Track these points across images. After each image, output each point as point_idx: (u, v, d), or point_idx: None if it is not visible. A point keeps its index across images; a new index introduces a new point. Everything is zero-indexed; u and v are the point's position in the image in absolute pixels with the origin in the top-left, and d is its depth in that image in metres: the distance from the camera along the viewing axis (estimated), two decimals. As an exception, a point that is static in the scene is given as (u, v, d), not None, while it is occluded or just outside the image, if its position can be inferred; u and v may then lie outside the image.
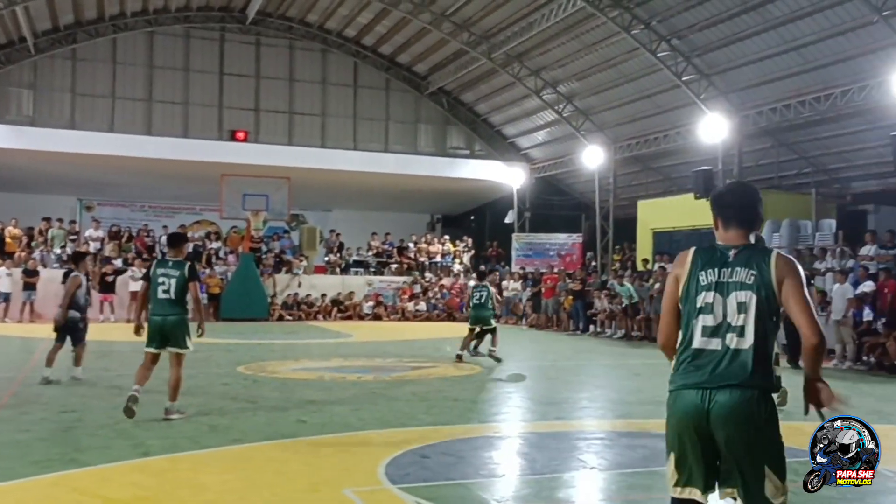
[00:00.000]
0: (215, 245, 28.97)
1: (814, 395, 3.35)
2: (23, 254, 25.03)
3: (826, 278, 18.23)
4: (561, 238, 29.83)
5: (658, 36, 21.71)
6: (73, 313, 11.12)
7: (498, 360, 14.20)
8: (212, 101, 29.43)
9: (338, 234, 30.90)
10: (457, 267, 30.92)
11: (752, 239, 3.52)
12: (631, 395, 11.12)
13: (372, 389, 11.15)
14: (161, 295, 8.36)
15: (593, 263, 28.00)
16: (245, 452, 7.01)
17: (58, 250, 25.86)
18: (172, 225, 29.89)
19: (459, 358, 14.42)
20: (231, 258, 27.87)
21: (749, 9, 19.30)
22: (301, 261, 28.84)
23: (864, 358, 15.41)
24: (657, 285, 21.11)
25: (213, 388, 10.77)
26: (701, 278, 3.37)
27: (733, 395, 3.21)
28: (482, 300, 14.73)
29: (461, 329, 15.12)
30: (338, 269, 29.53)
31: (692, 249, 3.51)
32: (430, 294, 28.73)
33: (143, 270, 23.95)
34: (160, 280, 8.39)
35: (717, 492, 3.36)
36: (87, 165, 27.61)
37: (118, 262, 25.48)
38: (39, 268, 24.04)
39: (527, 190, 31.35)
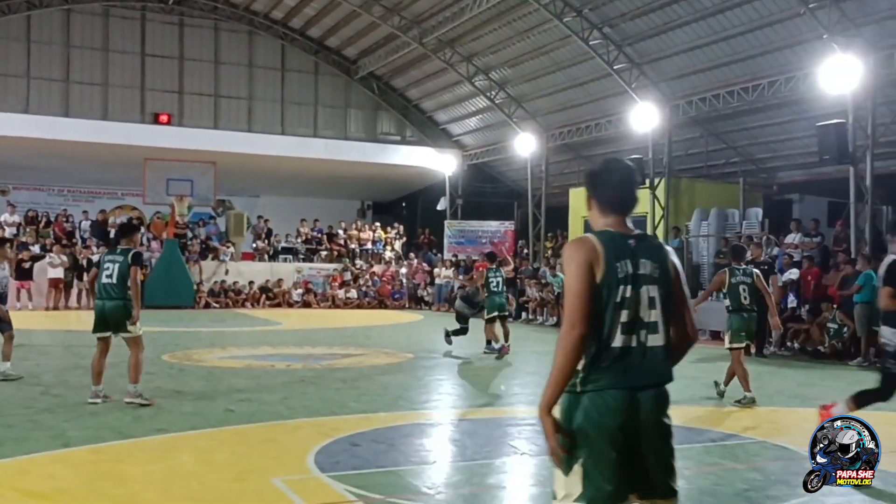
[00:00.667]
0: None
1: None
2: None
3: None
4: (493, 225, 29.86)
5: (590, 24, 21.74)
6: None
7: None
8: (133, 82, 28.50)
9: (266, 221, 30.36)
10: (388, 254, 30.71)
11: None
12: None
13: (301, 377, 10.98)
14: (104, 280, 8.46)
15: (525, 251, 28.08)
16: (170, 442, 6.78)
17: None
18: (92, 210, 29.03)
19: (500, 353, 13.61)
20: (155, 244, 27.12)
21: (680, -2, 19.48)
22: (228, 247, 28.23)
23: (788, 344, 15.81)
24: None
25: (143, 377, 10.37)
26: (618, 269, 3.06)
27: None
28: (499, 287, 14.10)
29: (392, 316, 14.84)
30: (266, 256, 29.03)
31: (590, 236, 3.13)
32: (361, 281, 28.45)
33: (63, 257, 23.76)
34: (106, 266, 8.53)
35: None
36: (1, 148, 26.46)
37: (35, 249, 24.54)
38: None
39: (459, 177, 31.25)
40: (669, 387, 3.11)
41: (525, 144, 26.90)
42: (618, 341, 3.03)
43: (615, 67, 22.12)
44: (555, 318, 22.08)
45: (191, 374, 10.99)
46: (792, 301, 16.16)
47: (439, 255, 29.76)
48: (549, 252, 26.08)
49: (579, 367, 3.02)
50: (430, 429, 8.03)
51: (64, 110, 27.36)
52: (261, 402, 8.88)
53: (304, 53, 30.62)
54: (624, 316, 3.03)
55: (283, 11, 29.17)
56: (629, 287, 3.03)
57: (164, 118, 28.51)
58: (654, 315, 3.07)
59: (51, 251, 24.21)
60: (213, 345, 15.15)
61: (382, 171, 31.23)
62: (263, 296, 26.93)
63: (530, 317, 23.11)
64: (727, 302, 9.66)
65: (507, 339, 13.90)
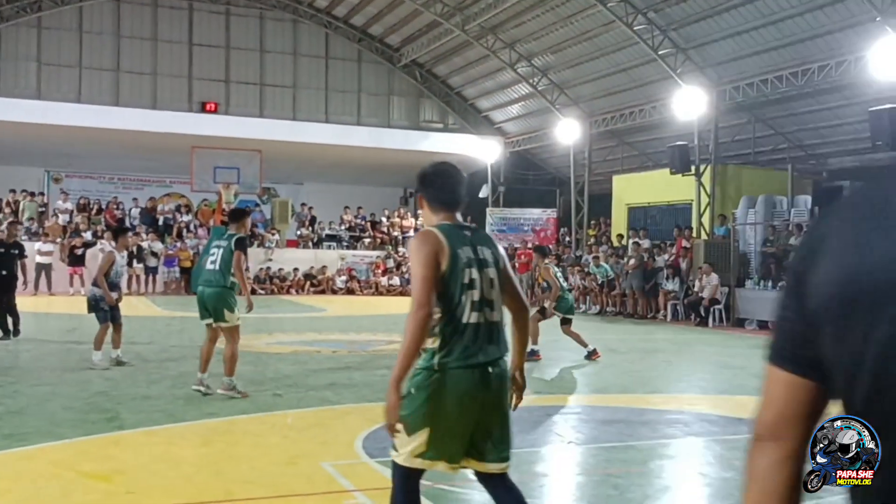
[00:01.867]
0: (186, 218, 28.61)
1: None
2: (-11, 226, 24.54)
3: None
4: (535, 213, 29.79)
5: (634, 9, 21.54)
6: (96, 290, 10.39)
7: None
8: (181, 71, 28.89)
9: (310, 208, 30.64)
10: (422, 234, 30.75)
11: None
12: (606, 370, 11.08)
13: (347, 364, 11.08)
14: (208, 265, 8.30)
15: (567, 239, 28.00)
16: (221, 426, 6.92)
17: (26, 223, 25.38)
18: (142, 197, 29.53)
19: (593, 354, 11.98)
20: (201, 231, 27.52)
21: (727, -18, 19.22)
22: (273, 234, 28.56)
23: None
24: (632, 261, 21.15)
25: (188, 362, 10.59)
26: (461, 255, 3.39)
27: (501, 369, 3.42)
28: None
29: None
30: (310, 243, 29.31)
31: (433, 229, 3.49)
32: (404, 269, 28.60)
33: (114, 244, 24.18)
34: (212, 251, 8.35)
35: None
36: (55, 136, 27.04)
37: (87, 235, 25.07)
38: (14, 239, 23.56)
39: (501, 164, 31.20)
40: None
41: (568, 131, 26.75)
42: (470, 318, 3.36)
43: (660, 52, 21.90)
44: (598, 307, 22.02)
45: (239, 359, 11.14)
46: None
47: (481, 242, 29.68)
48: (592, 240, 25.97)
49: (435, 344, 3.32)
50: None
51: (114, 99, 27.83)
52: (308, 388, 9.02)
53: (348, 41, 30.76)
54: (474, 295, 3.37)
55: (328, 0, 29.32)
56: (474, 269, 3.38)
57: (210, 106, 28.86)
58: (495, 294, 3.43)
59: (102, 238, 24.70)
60: (260, 331, 15.35)
61: (425, 158, 30.56)
62: (308, 282, 27.22)
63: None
64: None
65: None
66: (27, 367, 10.10)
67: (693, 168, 21.57)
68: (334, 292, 27.23)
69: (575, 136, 26.70)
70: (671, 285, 20.26)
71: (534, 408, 8.36)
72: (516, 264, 25.19)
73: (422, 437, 3.32)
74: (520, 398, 3.62)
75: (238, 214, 8.86)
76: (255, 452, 6.02)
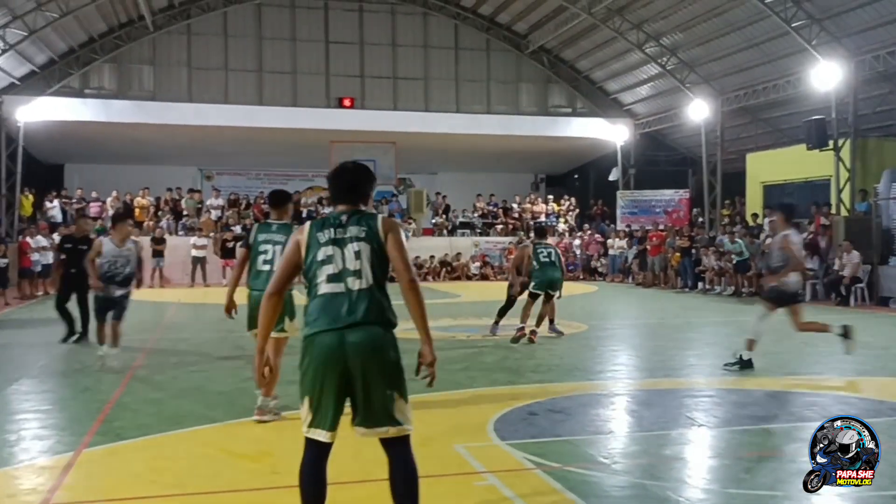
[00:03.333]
0: (327, 210, 29.82)
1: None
2: (150, 223, 26.54)
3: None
4: (667, 194, 29.41)
5: (766, -18, 21.02)
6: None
7: (560, 333, 12.74)
8: (318, 69, 30.06)
9: (444, 197, 31.32)
10: (561, 226, 30.94)
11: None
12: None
13: (480, 348, 11.44)
14: (261, 266, 6.92)
15: (700, 219, 27.58)
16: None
17: (184, 219, 27.29)
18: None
19: (528, 337, 11.80)
20: (342, 221, 28.59)
21: (863, -51, 18.49)
22: (410, 223, 29.40)
23: None
24: (768, 240, 20.71)
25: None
26: (320, 237, 3.81)
27: (365, 333, 3.70)
28: (551, 257, 12.23)
29: (567, 287, 14.76)
30: (445, 231, 30.00)
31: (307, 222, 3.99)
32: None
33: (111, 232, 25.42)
34: (261, 248, 6.96)
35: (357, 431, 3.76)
36: (205, 136, 28.78)
37: (237, 229, 26.59)
38: (166, 236, 25.40)
39: (631, 146, 30.96)
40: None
41: (698, 110, 26.34)
42: (324, 289, 3.75)
43: (793, 25, 21.27)
44: (732, 288, 21.68)
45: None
46: None
47: (612, 225, 29.67)
48: (727, 220, 25.50)
49: (306, 315, 3.77)
50: (605, 399, 8.04)
51: (258, 98, 29.26)
52: (442, 371, 9.20)
53: (477, 31, 31.17)
54: (330, 269, 3.75)
55: (456, -9, 29.80)
56: (330, 247, 3.77)
57: (347, 102, 29.89)
58: (359, 265, 3.75)
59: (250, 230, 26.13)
60: (399, 316, 16.02)
61: (554, 143, 31.41)
62: (443, 269, 27.92)
63: (707, 286, 22.74)
64: None
65: (553, 316, 12.60)
66: (183, 354, 10.90)
67: (831, 143, 20.90)
68: (469, 278, 27.82)
69: (706, 114, 26.27)
70: (810, 264, 19.72)
71: (666, 391, 8.41)
72: (648, 247, 25.10)
73: (306, 406, 3.78)
74: (430, 373, 3.88)
75: (281, 198, 7.38)
76: (392, 434, 6.48)
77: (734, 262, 21.50)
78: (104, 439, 6.28)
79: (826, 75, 20.89)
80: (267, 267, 6.85)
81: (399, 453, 3.82)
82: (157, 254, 24.31)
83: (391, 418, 3.76)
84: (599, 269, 28.08)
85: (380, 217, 3.92)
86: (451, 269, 28.01)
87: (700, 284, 22.94)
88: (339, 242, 3.80)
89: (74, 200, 27.21)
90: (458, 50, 31.19)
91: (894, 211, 19.54)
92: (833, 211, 20.77)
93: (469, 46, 31.27)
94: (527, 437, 6.32)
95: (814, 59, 21.24)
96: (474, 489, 5.14)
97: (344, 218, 3.87)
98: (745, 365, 9.29)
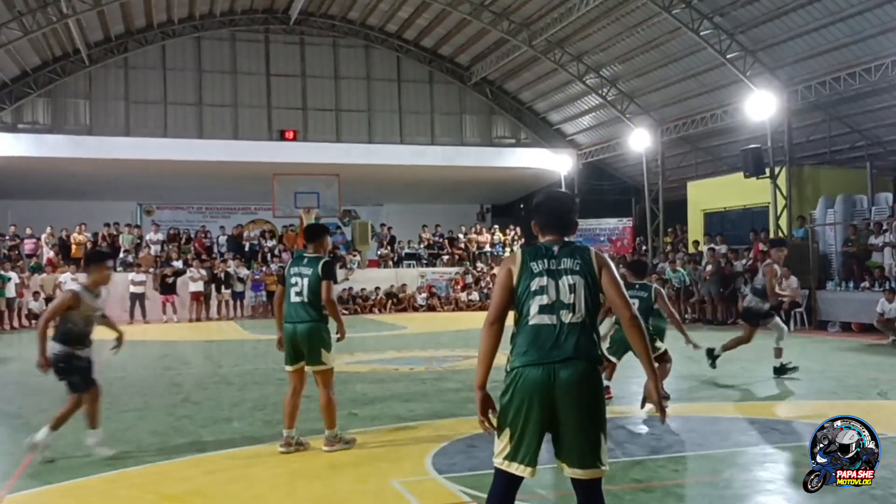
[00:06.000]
0: (271, 243, 29.51)
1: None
2: (87, 259, 25.84)
3: (884, 253, 17.95)
4: (611, 223, 29.75)
5: (700, 14, 21.45)
6: (60, 347, 6.82)
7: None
8: (260, 102, 29.91)
9: (389, 228, 31.22)
10: (507, 255, 30.97)
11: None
12: (680, 379, 10.99)
13: (423, 380, 11.33)
14: (293, 298, 6.96)
15: (644, 247, 27.87)
16: (297, 446, 7.23)
17: (122, 255, 26.68)
18: (229, 225, 30.58)
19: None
20: (286, 256, 28.35)
21: (792, -18, 19.01)
22: (354, 255, 29.21)
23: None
24: (709, 267, 20.99)
25: (270, 383, 11.06)
26: (533, 267, 3.73)
27: (575, 368, 3.59)
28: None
29: (514, 317, 14.60)
30: (390, 263, 29.86)
31: (517, 249, 3.93)
32: (483, 283, 28.89)
33: (202, 272, 25.27)
34: (292, 280, 6.99)
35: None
36: (144, 170, 28.34)
37: (178, 264, 26.14)
38: (103, 272, 24.76)
39: (575, 176, 31.27)
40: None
41: (639, 139, 26.72)
42: (535, 320, 3.67)
43: (728, 56, 21.75)
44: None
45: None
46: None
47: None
48: (669, 247, 25.80)
49: (508, 350, 3.69)
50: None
51: (198, 132, 28.99)
52: (383, 406, 9.31)
53: (419, 63, 31.34)
54: (543, 300, 3.66)
55: (398, 24, 29.95)
56: (545, 278, 3.68)
57: (290, 134, 29.78)
58: (573, 298, 3.66)
59: (191, 266, 25.76)
60: (342, 350, 15.65)
61: (499, 174, 31.61)
62: (389, 301, 27.74)
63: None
64: None
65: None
66: (119, 393, 10.53)
67: (768, 170, 21.32)
68: (415, 309, 27.67)
69: (647, 144, 26.65)
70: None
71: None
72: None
73: (506, 436, 3.67)
74: (658, 411, 3.78)
75: (316, 232, 7.41)
76: (327, 471, 6.29)
77: (676, 287, 21.72)
78: (29, 484, 6.06)
79: (761, 105, 21.35)
80: (298, 299, 6.89)
81: (594, 496, 3.70)
82: (95, 291, 23.63)
83: (596, 459, 3.64)
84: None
85: (593, 251, 3.85)
86: (397, 301, 27.84)
87: (644, 312, 23.05)
88: (552, 274, 3.72)
89: (8, 238, 26.46)
90: (400, 82, 31.31)
91: (830, 236, 19.95)
92: (771, 237, 21.09)
93: (412, 78, 31.41)
94: (465, 469, 6.25)
95: (749, 90, 21.70)
96: (409, 525, 5.05)
97: (556, 249, 3.79)
98: (787, 370, 10.67)
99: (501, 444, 3.68)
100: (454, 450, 6.92)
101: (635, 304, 7.71)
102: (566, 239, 3.85)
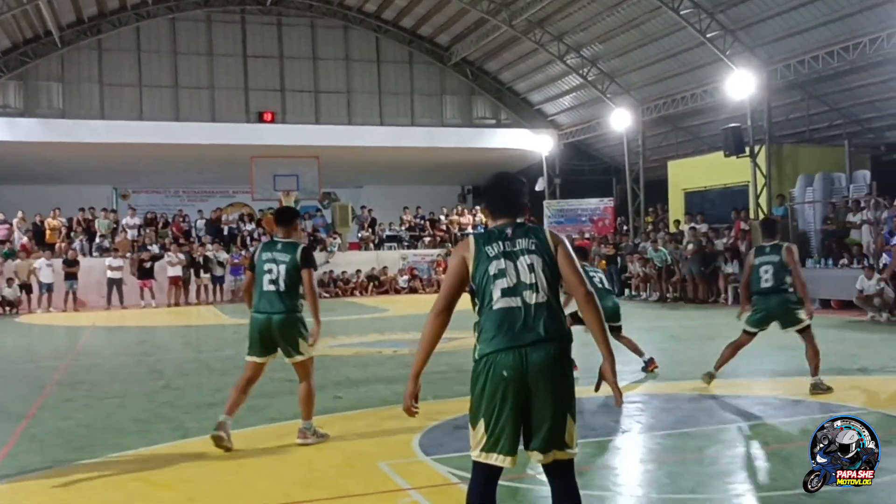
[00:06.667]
0: (249, 227, 29.30)
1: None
2: (62, 244, 25.60)
3: (862, 230, 18.05)
4: (592, 203, 29.72)
5: (680, -7, 21.41)
6: None
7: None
8: (237, 83, 29.60)
9: (370, 210, 31.08)
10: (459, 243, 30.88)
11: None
12: (666, 357, 11.08)
13: (407, 363, 11.18)
14: (267, 286, 6.47)
15: (625, 227, 27.91)
16: (282, 430, 7.15)
17: (98, 240, 26.39)
18: (207, 209, 30.31)
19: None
20: (265, 239, 28.14)
21: (772, -40, 18.97)
22: (334, 238, 29.07)
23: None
24: (690, 246, 21.04)
25: None
26: (489, 250, 3.67)
27: (545, 350, 3.51)
28: (604, 283, 9.85)
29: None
30: (371, 245, 29.73)
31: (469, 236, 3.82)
32: (464, 265, 28.78)
33: (180, 256, 25.03)
34: (266, 267, 6.48)
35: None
36: (119, 154, 27.98)
37: (155, 248, 25.90)
38: (80, 257, 24.55)
39: (556, 156, 31.23)
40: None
41: (620, 119, 26.69)
42: (499, 304, 3.57)
43: (708, 36, 21.74)
44: (657, 294, 21.95)
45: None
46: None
47: (540, 234, 29.75)
48: (650, 227, 25.84)
49: (475, 336, 3.62)
50: None
51: (174, 115, 28.64)
52: (368, 389, 9.27)
53: (399, 44, 31.11)
54: (504, 283, 3.58)
55: (376, 4, 29.69)
56: (502, 259, 3.61)
57: (268, 116, 29.51)
58: (534, 277, 3.59)
59: (169, 250, 25.52)
60: (324, 333, 15.49)
61: (480, 155, 31.47)
62: (371, 284, 27.64)
63: (633, 293, 23.01)
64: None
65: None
66: (97, 380, 10.46)
67: (748, 149, 21.37)
68: (397, 292, 27.60)
69: (627, 123, 26.63)
70: (731, 268, 20.11)
71: (590, 399, 8.34)
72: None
73: (481, 429, 3.55)
74: (615, 393, 3.66)
75: (288, 216, 6.92)
76: (314, 455, 6.25)
77: (658, 266, 21.79)
78: (8, 473, 5.96)
79: (741, 84, 21.37)
80: (272, 287, 6.42)
81: (566, 481, 3.62)
82: (70, 276, 23.50)
83: (562, 442, 3.56)
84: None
85: (546, 229, 3.79)
86: (378, 284, 27.74)
87: (626, 291, 23.18)
88: (509, 255, 3.65)
89: (-20, 223, 26.10)
90: (380, 63, 31.06)
91: (809, 214, 20.04)
92: (752, 216, 21.19)
93: (391, 59, 31.18)
94: (452, 451, 6.22)
95: (729, 69, 21.71)
96: (397, 507, 5.03)
97: (509, 231, 3.73)
98: None
99: (477, 436, 3.56)
100: (441, 431, 6.91)
101: (768, 270, 8.15)
102: (518, 221, 3.78)
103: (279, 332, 6.43)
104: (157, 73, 28.80)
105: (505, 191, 3.87)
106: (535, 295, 3.57)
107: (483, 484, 3.60)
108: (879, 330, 13.82)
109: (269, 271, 6.44)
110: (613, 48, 25.74)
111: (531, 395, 3.49)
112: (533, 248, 3.64)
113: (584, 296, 3.60)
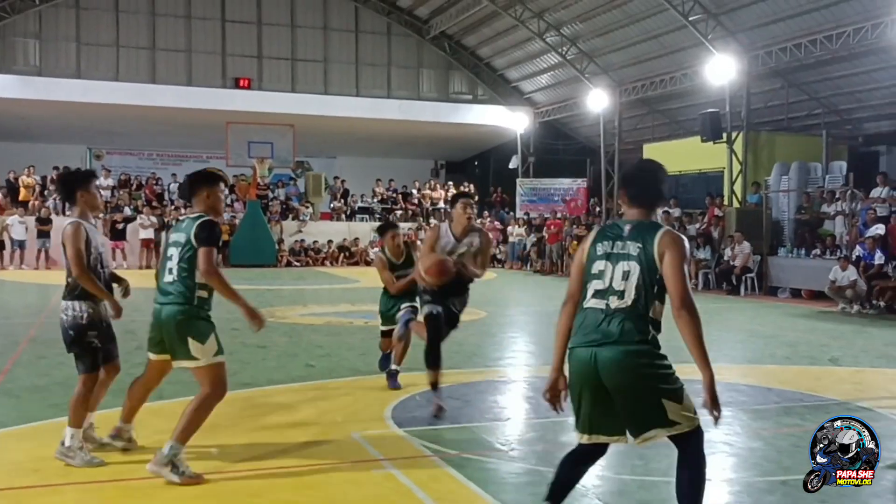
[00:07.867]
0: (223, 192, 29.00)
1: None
2: (36, 202, 25.37)
3: (836, 221, 18.18)
4: (566, 183, 29.76)
5: (664, -25, 21.39)
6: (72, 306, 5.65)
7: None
8: (214, 48, 29.23)
9: (343, 181, 30.94)
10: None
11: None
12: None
13: (378, 334, 11.26)
14: (165, 276, 5.09)
15: (598, 208, 28.01)
16: (254, 397, 7.16)
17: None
18: (181, 173, 29.96)
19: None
20: (238, 206, 27.97)
21: (757, -54, 18.98)
22: (307, 207, 28.93)
23: (874, 302, 15.26)
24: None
25: (224, 334, 10.58)
26: (597, 249, 3.74)
27: (616, 350, 3.59)
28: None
29: None
30: (343, 216, 29.63)
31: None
32: (436, 240, 28.78)
33: (153, 219, 24.79)
34: (168, 252, 5.15)
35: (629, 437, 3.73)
36: (95, 114, 27.64)
37: (128, 211, 25.68)
38: (52, 216, 24.28)
39: (531, 134, 31.23)
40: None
41: (597, 100, 26.68)
42: (589, 304, 3.70)
43: (690, 18, 21.74)
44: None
45: (274, 330, 11.23)
46: (879, 258, 15.58)
47: (511, 213, 29.89)
48: (623, 209, 25.95)
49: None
50: (503, 386, 8.13)
51: (151, 77, 28.29)
52: (340, 358, 9.28)
53: (377, 15, 30.85)
54: (599, 284, 3.67)
55: (357, -27, 29.38)
56: (603, 261, 3.68)
57: (244, 82, 29.20)
58: (624, 286, 3.62)
59: (142, 213, 25.31)
60: (295, 302, 15.71)
61: (455, 130, 31.42)
62: (342, 254, 27.59)
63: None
64: None
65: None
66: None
67: (725, 135, 21.47)
68: (367, 264, 27.49)
69: (604, 104, 26.63)
70: (703, 254, 20.26)
71: None
72: (546, 235, 25.33)
73: (575, 411, 3.80)
74: (712, 414, 3.63)
75: (196, 181, 5.36)
76: (287, 423, 6.25)
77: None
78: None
79: (721, 69, 21.42)
80: (170, 277, 5.01)
81: (685, 450, 3.74)
82: (43, 234, 23.35)
83: (663, 422, 3.64)
84: (498, 257, 28.20)
85: (660, 233, 3.64)
86: (349, 255, 27.68)
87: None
88: (612, 258, 3.67)
89: (-49, 179, 25.69)
90: (358, 33, 30.80)
91: (784, 203, 20.19)
92: (726, 202, 21.34)
93: (370, 30, 30.93)
94: (424, 423, 6.27)
95: (709, 53, 21.75)
96: (371, 477, 5.05)
97: (626, 229, 3.71)
98: None
99: (574, 417, 3.81)
100: (413, 404, 6.93)
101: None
102: (643, 220, 3.72)
103: (165, 327, 5.08)
104: (134, 33, 28.36)
105: (646, 181, 3.84)
106: (619, 301, 3.62)
107: (574, 454, 3.89)
108: (850, 321, 13.99)
109: (170, 258, 5.07)
110: (594, 28, 25.69)
111: (609, 390, 3.62)
112: (635, 253, 3.62)
113: (678, 309, 3.57)
